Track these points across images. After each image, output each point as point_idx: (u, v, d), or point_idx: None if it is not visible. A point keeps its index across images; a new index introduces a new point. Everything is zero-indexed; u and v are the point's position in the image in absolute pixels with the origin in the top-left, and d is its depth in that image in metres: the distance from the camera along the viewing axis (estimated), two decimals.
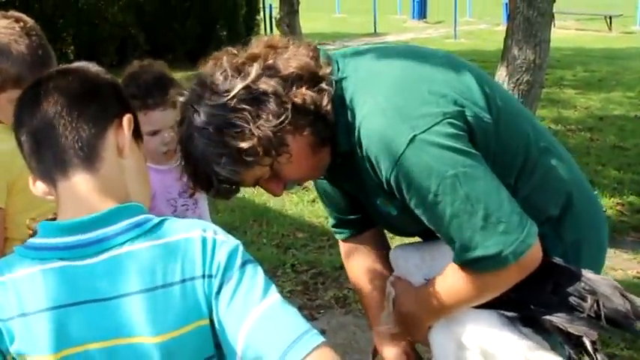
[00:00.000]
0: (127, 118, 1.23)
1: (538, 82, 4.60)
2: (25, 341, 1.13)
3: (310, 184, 2.03)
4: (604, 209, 5.06)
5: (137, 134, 1.28)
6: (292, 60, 1.51)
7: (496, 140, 1.55)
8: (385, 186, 1.53)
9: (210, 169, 1.47)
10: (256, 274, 1.18)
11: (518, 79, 4.54)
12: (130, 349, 1.14)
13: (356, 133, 1.52)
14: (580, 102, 9.08)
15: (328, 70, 1.54)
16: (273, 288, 1.18)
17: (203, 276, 1.15)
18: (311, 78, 1.51)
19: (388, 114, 1.47)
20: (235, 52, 1.54)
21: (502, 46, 4.45)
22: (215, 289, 1.15)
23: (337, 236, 2.01)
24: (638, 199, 5.33)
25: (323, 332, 3.49)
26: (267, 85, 1.46)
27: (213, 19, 13.32)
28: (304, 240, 4.73)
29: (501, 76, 4.61)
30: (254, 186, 1.61)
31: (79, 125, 1.17)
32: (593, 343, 1.52)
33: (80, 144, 1.17)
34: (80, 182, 1.18)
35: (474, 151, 1.48)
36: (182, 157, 1.53)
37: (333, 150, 1.59)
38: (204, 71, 1.52)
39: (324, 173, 1.69)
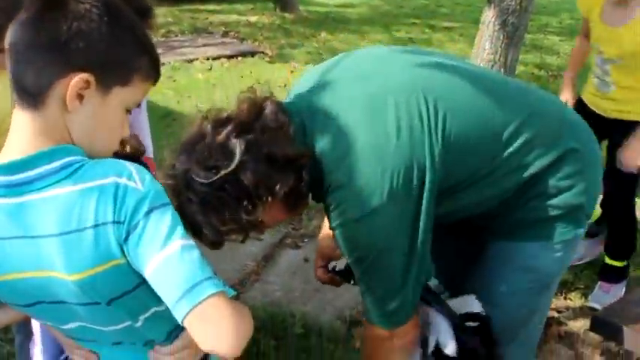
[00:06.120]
0: (76, 81, 1.19)
1: (523, 24, 4.66)
2: None
3: None
4: None
5: (111, 84, 1.24)
6: (276, 147, 1.59)
7: (459, 153, 1.68)
8: None
9: (199, 228, 1.59)
10: (161, 222, 1.18)
11: (504, 21, 4.60)
12: (50, 281, 1.22)
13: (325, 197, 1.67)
14: (564, 49, 9.10)
15: (307, 154, 1.62)
16: (177, 234, 1.18)
17: (113, 222, 1.17)
18: (292, 166, 1.60)
19: (349, 192, 1.61)
20: (216, 118, 1.62)
21: None
22: (124, 235, 1.17)
23: None
24: None
25: (306, 260, 3.65)
26: (248, 178, 1.56)
27: None
28: None
29: (488, 17, 4.66)
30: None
31: (32, 67, 1.19)
32: None
33: (29, 85, 1.20)
34: (24, 119, 1.22)
35: (404, 229, 1.64)
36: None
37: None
38: (189, 139, 1.62)
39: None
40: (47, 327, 1.46)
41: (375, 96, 1.67)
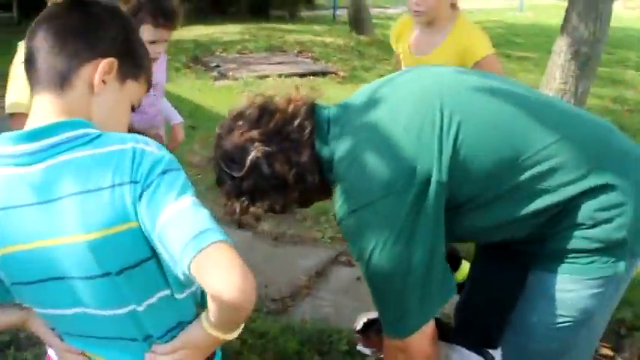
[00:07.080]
0: (104, 63, 1.33)
1: (596, 55, 4.59)
2: None
3: None
4: None
5: (127, 76, 1.39)
6: (284, 167, 1.75)
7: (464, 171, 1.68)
8: None
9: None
10: (175, 181, 1.25)
11: (576, 51, 4.54)
12: (57, 250, 1.26)
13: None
14: None
15: (310, 180, 1.77)
16: (189, 193, 1.25)
17: (130, 182, 1.23)
18: (292, 187, 1.78)
19: (348, 185, 1.71)
20: (254, 114, 1.80)
21: None
22: (138, 193, 1.23)
23: None
24: None
25: (358, 279, 3.64)
26: (248, 186, 1.77)
27: None
28: None
29: (560, 46, 4.61)
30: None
31: (59, 57, 1.31)
32: None
33: (55, 72, 1.31)
34: (47, 101, 1.32)
35: (402, 229, 1.64)
36: None
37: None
38: (229, 126, 1.82)
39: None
40: (45, 335, 1.47)
41: (395, 101, 1.75)
